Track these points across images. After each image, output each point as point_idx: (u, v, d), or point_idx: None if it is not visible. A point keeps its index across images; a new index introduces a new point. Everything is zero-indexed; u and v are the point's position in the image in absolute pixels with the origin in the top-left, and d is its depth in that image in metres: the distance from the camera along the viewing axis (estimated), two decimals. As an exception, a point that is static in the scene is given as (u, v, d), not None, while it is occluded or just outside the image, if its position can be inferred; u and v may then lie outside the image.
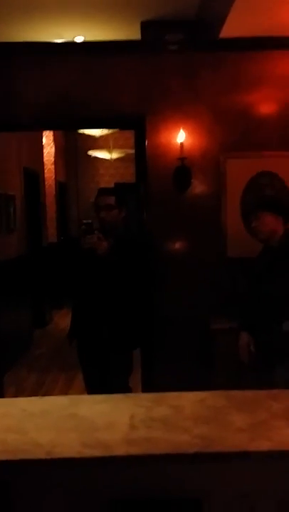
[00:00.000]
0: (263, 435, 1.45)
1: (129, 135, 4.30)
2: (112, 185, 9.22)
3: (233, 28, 3.65)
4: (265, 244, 3.13)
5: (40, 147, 7.84)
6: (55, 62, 3.94)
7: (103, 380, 3.22)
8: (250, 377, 3.15)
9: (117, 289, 3.17)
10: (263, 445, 1.39)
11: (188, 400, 1.70)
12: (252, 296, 3.12)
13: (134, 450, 1.39)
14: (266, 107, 4.00)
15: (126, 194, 3.50)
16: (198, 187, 3.99)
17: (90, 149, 8.61)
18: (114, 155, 8.32)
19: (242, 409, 1.62)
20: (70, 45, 4.20)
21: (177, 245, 4.04)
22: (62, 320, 7.47)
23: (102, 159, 8.97)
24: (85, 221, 3.12)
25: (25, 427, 1.55)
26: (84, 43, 4.33)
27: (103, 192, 3.42)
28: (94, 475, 1.41)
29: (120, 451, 1.39)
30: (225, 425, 1.52)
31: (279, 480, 1.41)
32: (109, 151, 8.28)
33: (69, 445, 1.42)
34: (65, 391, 4.61)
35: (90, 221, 3.12)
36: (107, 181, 9.27)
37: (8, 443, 1.45)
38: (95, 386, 3.23)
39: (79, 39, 5.13)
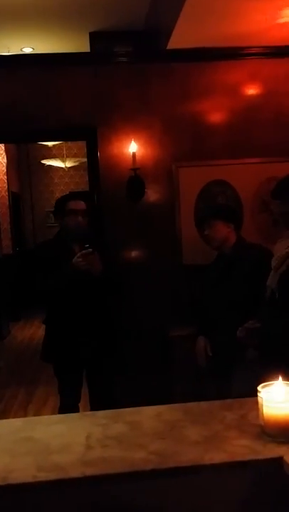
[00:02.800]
0: (217, 447, 1.47)
1: (83, 143, 4.30)
2: (67, 193, 9.17)
3: (180, 39, 3.71)
4: (218, 252, 3.19)
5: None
6: (4, 74, 3.89)
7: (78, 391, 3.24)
8: (209, 381, 3.21)
9: (101, 303, 3.18)
10: (217, 457, 1.42)
11: (144, 415, 1.71)
12: (207, 302, 3.18)
13: (90, 471, 1.38)
14: (215, 116, 4.08)
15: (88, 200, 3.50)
16: (152, 196, 4.02)
17: (43, 158, 8.55)
18: (69, 163, 8.29)
19: (197, 421, 1.65)
20: (19, 58, 4.16)
21: (133, 254, 4.06)
22: (20, 332, 7.38)
23: (56, 168, 8.92)
24: (87, 245, 3.02)
25: (-21, 452, 1.52)
26: (33, 55, 4.31)
27: (75, 196, 3.34)
28: (50, 499, 1.40)
29: (76, 473, 1.38)
30: (180, 439, 1.54)
31: (234, 490, 1.44)
32: (63, 160, 8.24)
33: (24, 470, 1.41)
34: (24, 406, 4.54)
35: (89, 245, 3.02)
36: (61, 190, 9.22)
37: None
38: (74, 398, 3.23)
39: (27, 50, 5.11)
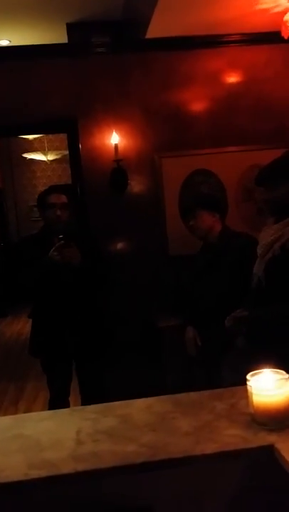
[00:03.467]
0: (208, 437, 1.48)
1: (65, 136, 4.27)
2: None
3: (158, 28, 3.68)
4: (204, 242, 3.19)
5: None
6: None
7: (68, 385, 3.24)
8: (199, 370, 3.22)
9: (87, 295, 3.16)
10: (208, 448, 1.42)
11: (134, 408, 1.71)
12: (195, 292, 3.19)
13: (81, 466, 1.38)
14: (197, 105, 4.07)
15: (70, 194, 3.47)
16: (135, 187, 4.01)
17: (25, 152, 8.46)
18: (51, 157, 8.22)
19: (187, 412, 1.65)
20: (-5, 50, 4.09)
21: (118, 246, 4.04)
22: (8, 328, 7.33)
23: (38, 161, 8.84)
24: (61, 236, 2.99)
25: None
26: (10, 47, 4.23)
27: (55, 190, 3.30)
28: (42, 496, 1.39)
29: (67, 469, 1.38)
30: (171, 431, 1.54)
31: (226, 481, 1.44)
32: (45, 153, 8.17)
33: (15, 468, 1.40)
34: (14, 402, 4.53)
35: (65, 236, 2.99)
36: (44, 183, 9.13)
37: None
38: (64, 393, 3.23)
39: (4, 43, 5.02)
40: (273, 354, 2.18)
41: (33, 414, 1.94)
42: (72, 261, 3.00)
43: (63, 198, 3.17)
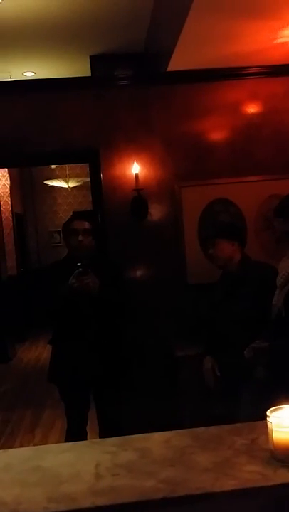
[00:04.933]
0: (227, 474, 1.46)
1: (86, 164, 4.36)
2: (70, 214, 9.21)
3: (180, 61, 3.77)
4: (223, 270, 3.19)
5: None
6: (5, 100, 3.95)
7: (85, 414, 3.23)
8: (218, 401, 3.18)
9: (107, 324, 3.16)
10: (227, 484, 1.41)
11: (153, 442, 1.70)
12: (213, 321, 3.17)
13: (100, 501, 1.38)
14: (216, 135, 4.12)
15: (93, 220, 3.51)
16: (155, 216, 4.05)
17: (46, 179, 8.61)
18: (72, 184, 8.35)
19: (206, 447, 1.64)
20: (21, 83, 4.22)
21: (137, 274, 4.06)
22: (26, 354, 7.35)
23: (59, 188, 8.98)
24: (79, 263, 2.99)
25: (-11, 484, 1.52)
26: (34, 81, 4.37)
27: (79, 216, 3.32)
28: (61, 530, 1.39)
29: (86, 503, 1.38)
30: (190, 466, 1.53)
31: (246, 518, 1.43)
32: (66, 180, 8.30)
33: (34, 501, 1.40)
34: (31, 429, 4.52)
35: (84, 263, 2.99)
36: (65, 210, 9.27)
37: (-28, 503, 1.42)
38: (82, 421, 3.22)
39: (29, 75, 5.18)
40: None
41: (53, 446, 1.94)
42: (90, 289, 3.01)
43: (86, 225, 3.18)
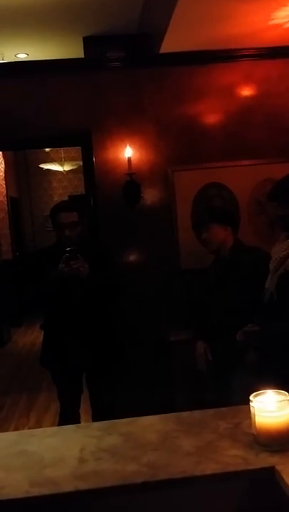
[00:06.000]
0: (209, 457, 1.47)
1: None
2: (65, 197, 9.18)
3: (172, 42, 3.71)
4: (216, 255, 3.19)
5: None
6: (-3, 83, 3.91)
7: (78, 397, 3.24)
8: (210, 385, 3.21)
9: (96, 306, 3.15)
10: (209, 468, 1.42)
11: (138, 426, 1.72)
12: (206, 306, 3.18)
13: (82, 485, 1.39)
14: (209, 119, 4.08)
15: (83, 207, 3.46)
16: (148, 200, 4.03)
17: (41, 162, 8.55)
18: (67, 167, 8.30)
19: (190, 431, 1.65)
20: (12, 65, 4.16)
21: (130, 258, 4.05)
22: (22, 338, 7.38)
23: (54, 172, 8.93)
24: (68, 248, 2.97)
25: (-26, 468, 1.53)
26: (26, 62, 4.30)
27: (64, 208, 3.22)
28: (43, 513, 1.41)
29: (69, 487, 1.39)
30: (173, 450, 1.54)
31: (226, 501, 1.44)
32: (62, 164, 8.25)
33: (17, 485, 1.41)
34: (26, 413, 4.55)
35: (72, 248, 2.97)
36: (60, 194, 9.23)
37: None
38: (74, 405, 3.23)
39: (21, 56, 5.11)
40: (284, 368, 2.18)
41: (39, 431, 1.95)
42: (80, 273, 3.00)
43: (73, 217, 3.11)
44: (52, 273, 3.01)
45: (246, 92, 4.07)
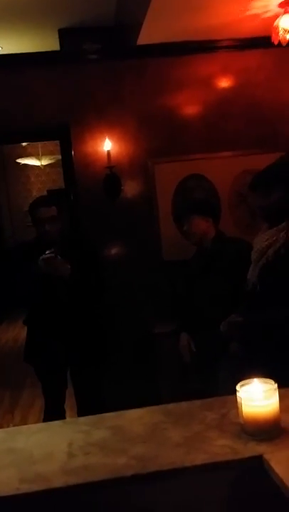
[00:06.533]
0: (198, 448, 1.48)
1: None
2: (44, 192, 9.09)
3: (150, 34, 3.68)
4: (198, 247, 3.20)
5: None
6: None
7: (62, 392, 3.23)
8: (195, 377, 3.23)
9: (80, 304, 3.14)
10: (198, 459, 1.43)
11: (126, 419, 1.72)
12: (189, 297, 3.19)
13: (72, 480, 1.39)
14: (189, 110, 4.08)
15: (62, 201, 3.42)
16: (129, 193, 4.02)
17: (18, 157, 8.45)
18: (45, 161, 8.22)
19: (178, 423, 1.66)
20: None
21: (113, 251, 4.05)
22: (4, 335, 7.32)
23: (32, 166, 8.83)
24: (48, 251, 2.94)
25: None
26: (1, 56, 4.23)
27: (43, 203, 3.18)
28: (34, 510, 1.40)
29: (59, 482, 1.39)
30: (161, 442, 1.55)
31: (216, 490, 1.45)
32: (39, 158, 8.17)
33: (6, 482, 1.41)
34: (10, 410, 4.52)
35: (52, 250, 2.94)
36: (39, 188, 9.14)
37: None
38: (59, 401, 3.22)
39: (-4, 49, 5.03)
40: (268, 359, 2.20)
41: (25, 427, 1.94)
42: (60, 273, 2.98)
43: (52, 211, 3.09)
44: (32, 269, 2.98)
45: (225, 83, 4.08)
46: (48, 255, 2.93)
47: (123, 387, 3.68)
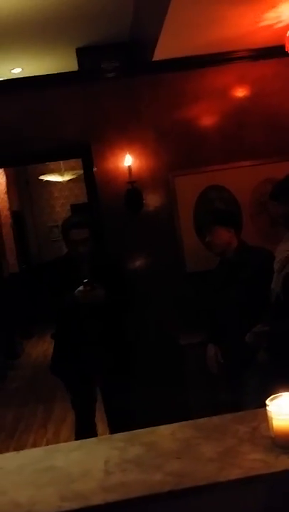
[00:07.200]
0: (231, 463, 1.52)
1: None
2: (67, 207, 9.22)
3: (165, 49, 3.75)
4: (221, 257, 3.22)
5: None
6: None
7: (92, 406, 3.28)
8: (223, 387, 3.24)
9: (110, 319, 3.19)
10: (232, 474, 1.46)
11: (159, 435, 1.76)
12: (214, 308, 3.21)
13: (110, 497, 1.43)
14: (207, 122, 4.13)
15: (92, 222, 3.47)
16: (150, 207, 4.07)
17: (41, 174, 8.59)
18: (67, 177, 8.34)
19: (210, 437, 1.69)
20: (8, 82, 4.22)
21: (136, 265, 4.09)
22: (34, 349, 7.42)
23: (55, 182, 8.97)
24: (85, 280, 2.99)
25: (4, 486, 1.57)
26: (22, 79, 4.35)
27: (75, 225, 3.21)
28: (75, 527, 1.45)
29: (97, 500, 1.43)
30: (195, 457, 1.58)
31: (250, 504, 1.48)
32: (61, 174, 8.29)
33: (47, 501, 1.46)
34: (43, 424, 4.60)
35: (88, 280, 2.98)
36: (62, 204, 9.26)
37: (-11, 505, 1.48)
38: (89, 414, 3.27)
39: (16, 71, 5.16)
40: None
41: (63, 445, 2.00)
42: (96, 300, 3.03)
43: (85, 233, 3.14)
44: (67, 299, 3.04)
45: (241, 93, 4.11)
46: (86, 288, 2.98)
47: (152, 399, 3.71)
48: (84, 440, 1.90)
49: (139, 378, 3.71)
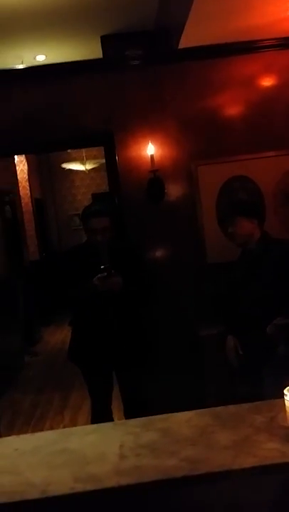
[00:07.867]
0: (247, 451, 1.50)
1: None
2: (89, 196, 9.24)
3: (191, 37, 3.71)
4: (243, 248, 3.19)
5: (13, 165, 7.83)
6: (18, 87, 3.97)
7: (109, 394, 3.28)
8: (242, 379, 3.22)
9: (129, 307, 3.19)
10: (246, 462, 1.45)
11: (174, 422, 1.75)
12: (234, 299, 3.18)
13: (124, 480, 1.43)
14: (231, 112, 4.07)
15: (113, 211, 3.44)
16: (172, 196, 4.04)
17: (63, 162, 8.62)
18: (89, 166, 8.36)
19: (226, 425, 1.67)
20: (32, 70, 4.21)
21: (157, 255, 4.08)
22: (52, 337, 7.47)
23: (76, 171, 9.00)
24: (102, 266, 2.99)
25: (19, 466, 1.58)
26: (45, 66, 4.35)
27: (95, 214, 3.19)
28: (87, 509, 1.45)
29: (111, 482, 1.43)
30: (210, 445, 1.57)
31: (264, 493, 1.46)
32: (83, 163, 8.31)
33: (62, 482, 1.46)
34: (60, 411, 4.62)
35: (107, 265, 2.99)
36: (83, 193, 9.29)
37: (4, 485, 1.49)
38: (106, 402, 3.28)
39: (40, 58, 5.16)
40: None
41: (78, 429, 2.00)
42: (114, 288, 3.03)
43: (105, 222, 3.13)
44: (85, 288, 3.04)
45: (268, 82, 4.05)
46: (105, 275, 2.97)
47: (169, 388, 3.71)
48: (99, 424, 1.90)
49: (157, 368, 3.72)
